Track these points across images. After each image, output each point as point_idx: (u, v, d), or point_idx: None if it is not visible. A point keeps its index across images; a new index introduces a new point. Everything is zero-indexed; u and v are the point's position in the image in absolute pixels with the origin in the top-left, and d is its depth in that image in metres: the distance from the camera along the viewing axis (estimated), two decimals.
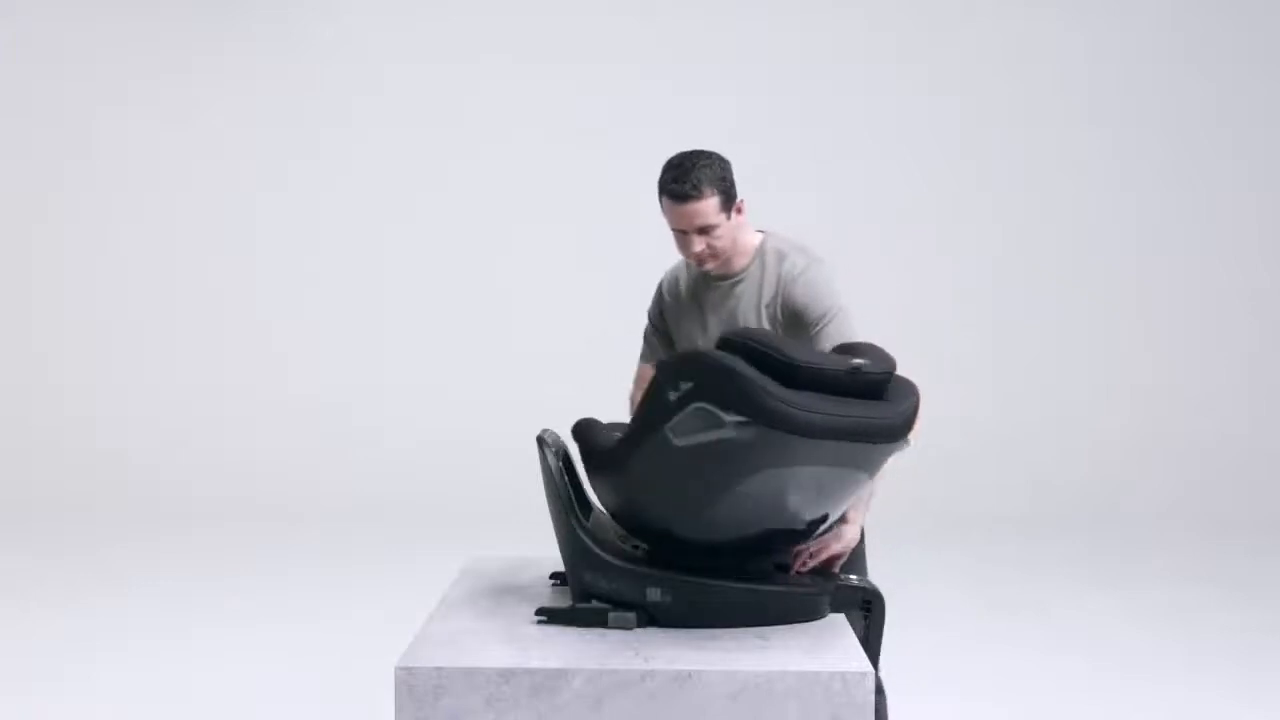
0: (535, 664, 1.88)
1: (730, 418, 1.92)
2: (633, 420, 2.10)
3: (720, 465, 1.97)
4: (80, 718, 3.73)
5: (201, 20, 7.38)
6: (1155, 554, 6.09)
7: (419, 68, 7.38)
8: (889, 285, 7.40)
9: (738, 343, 2.01)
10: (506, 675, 1.86)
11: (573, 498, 2.16)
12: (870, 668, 1.91)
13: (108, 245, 7.43)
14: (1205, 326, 7.50)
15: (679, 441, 1.95)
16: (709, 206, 2.49)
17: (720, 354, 1.97)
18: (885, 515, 5.40)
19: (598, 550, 2.10)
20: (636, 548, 2.20)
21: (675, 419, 1.95)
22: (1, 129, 7.43)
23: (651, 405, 2.00)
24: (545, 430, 2.26)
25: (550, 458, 2.16)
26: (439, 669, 1.87)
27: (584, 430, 2.19)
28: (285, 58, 7.41)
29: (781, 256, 2.61)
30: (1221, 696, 4.02)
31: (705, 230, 2.50)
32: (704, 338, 2.61)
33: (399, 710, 1.87)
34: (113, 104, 7.41)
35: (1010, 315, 7.47)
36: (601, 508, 2.25)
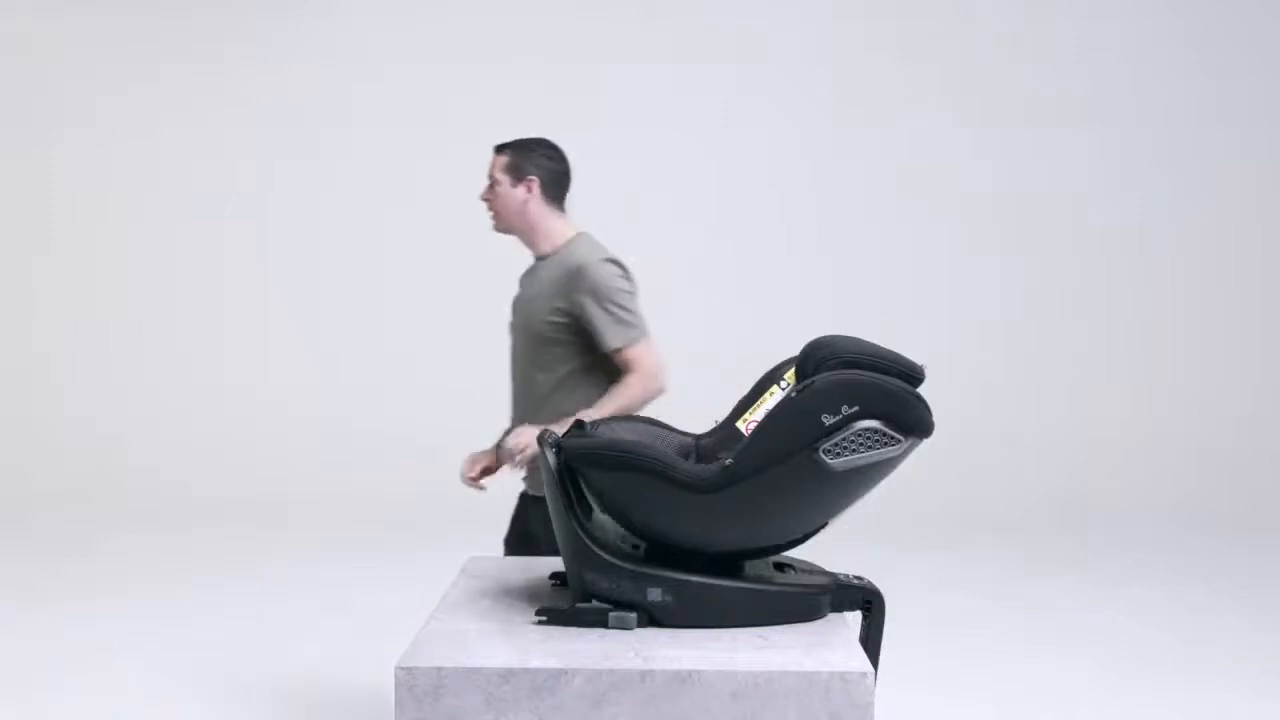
0: (535, 664, 1.88)
1: (903, 437, 2.02)
2: (759, 441, 2.08)
3: (870, 481, 2.08)
4: (80, 717, 3.73)
5: (201, 20, 7.38)
6: (1155, 554, 6.09)
7: (419, 68, 7.38)
8: (888, 285, 7.40)
9: (863, 359, 2.08)
10: (506, 675, 1.86)
11: (573, 498, 2.15)
12: (870, 668, 1.91)
13: (108, 245, 7.44)
14: (1205, 326, 7.50)
15: (834, 462, 2.01)
16: (497, 163, 3.06)
17: (876, 376, 2.05)
18: (886, 516, 5.41)
19: (598, 550, 2.10)
20: (636, 548, 2.20)
21: (832, 440, 2.01)
22: (1, 129, 7.43)
23: (792, 426, 2.04)
24: (545, 430, 2.26)
25: (550, 457, 2.16)
26: (439, 669, 1.87)
27: (640, 449, 2.16)
28: (285, 58, 7.41)
29: (582, 250, 2.94)
30: (1221, 696, 4.02)
31: (490, 182, 3.06)
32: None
33: (399, 710, 1.87)
34: (113, 104, 7.41)
35: (1010, 315, 7.47)
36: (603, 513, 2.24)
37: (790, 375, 2.25)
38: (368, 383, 7.35)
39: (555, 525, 2.15)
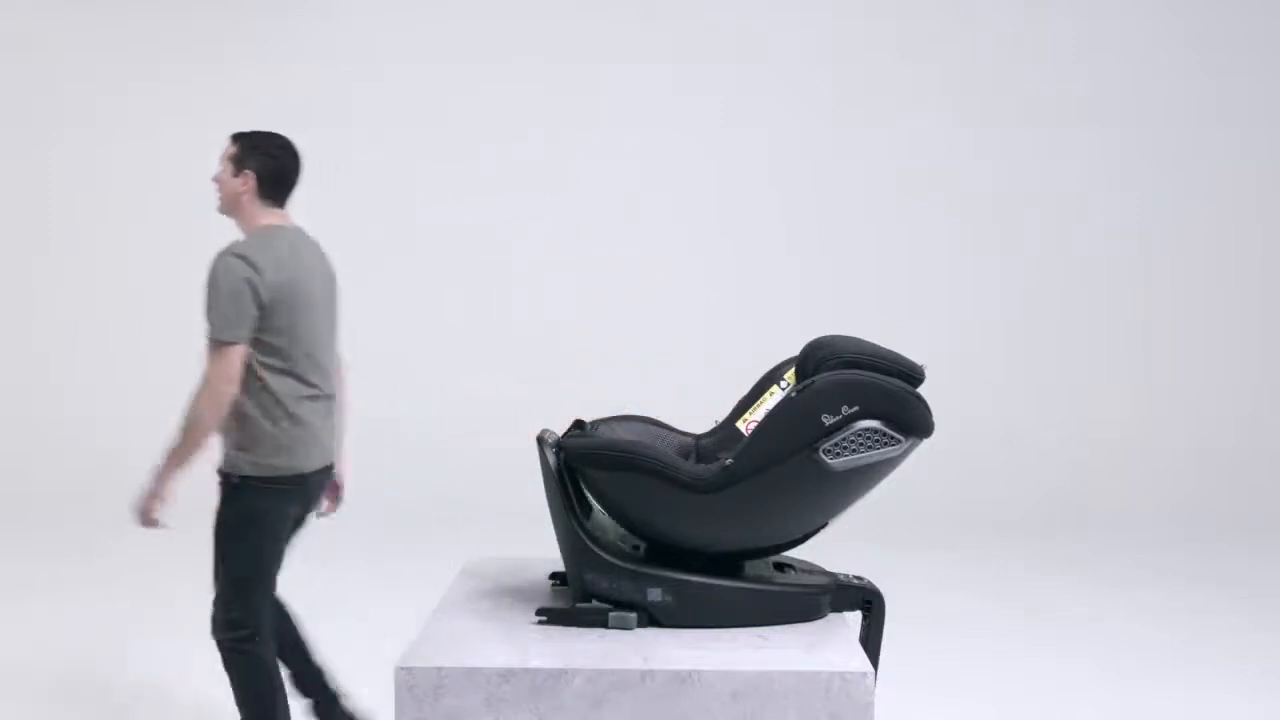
0: (535, 664, 1.89)
1: (903, 437, 2.05)
2: (759, 441, 2.08)
3: (870, 481, 2.10)
4: (78, 717, 3.74)
5: (201, 20, 7.39)
6: (1155, 554, 6.09)
7: (419, 68, 7.38)
8: (888, 285, 7.41)
9: (863, 359, 2.08)
10: (506, 675, 1.87)
11: (573, 497, 2.16)
12: (870, 667, 1.91)
13: (107, 245, 7.44)
14: (1205, 326, 7.50)
15: (834, 462, 2.02)
16: (227, 150, 3.09)
17: (876, 376, 2.07)
18: (886, 516, 5.41)
19: (598, 550, 2.10)
20: (636, 548, 2.20)
21: (832, 440, 2.01)
22: (1, 129, 7.43)
23: (792, 426, 2.04)
24: (545, 430, 2.26)
25: (550, 457, 2.16)
26: (439, 669, 1.88)
27: (641, 449, 2.16)
28: (285, 58, 7.41)
29: (240, 242, 2.97)
30: (1222, 696, 4.02)
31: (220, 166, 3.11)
32: None
33: (399, 710, 1.87)
34: (112, 104, 7.41)
35: (1011, 315, 7.47)
36: (604, 512, 2.24)
37: (790, 375, 2.25)
38: (368, 383, 7.34)
39: (555, 525, 2.16)
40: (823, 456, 2.02)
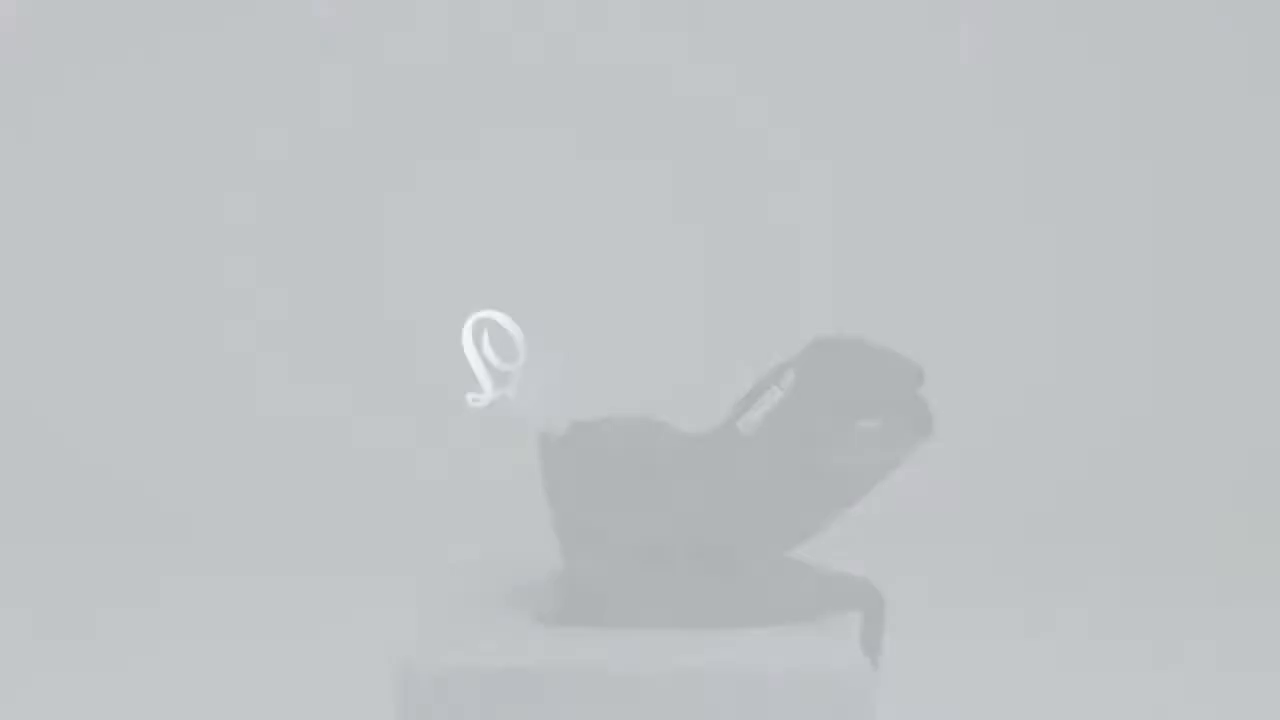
0: (535, 664, 1.89)
1: (904, 437, 2.05)
2: (758, 441, 2.09)
3: (870, 481, 2.11)
4: None
5: (198, 17, 7.37)
6: (1157, 554, 6.09)
7: (418, 65, 7.37)
8: (890, 286, 7.40)
9: (863, 359, 2.09)
10: (507, 675, 1.87)
11: (572, 497, 2.16)
12: (870, 668, 1.91)
13: (103, 245, 7.42)
14: (1214, 325, 7.49)
15: (834, 462, 2.03)
16: None
17: (876, 376, 2.08)
18: (887, 516, 5.40)
19: (598, 550, 2.11)
20: (636, 548, 2.21)
21: (832, 441, 2.03)
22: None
23: (792, 427, 2.05)
24: (545, 430, 2.27)
25: (550, 457, 2.17)
26: (439, 669, 1.88)
27: (641, 449, 2.16)
28: (285, 57, 7.40)
29: None
30: (1223, 697, 4.02)
31: None
32: None
33: (399, 710, 1.88)
34: (111, 103, 7.40)
35: (1012, 315, 7.46)
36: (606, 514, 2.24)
37: (790, 375, 2.26)
38: (367, 383, 7.34)
39: (555, 525, 2.16)
40: (823, 457, 2.03)
